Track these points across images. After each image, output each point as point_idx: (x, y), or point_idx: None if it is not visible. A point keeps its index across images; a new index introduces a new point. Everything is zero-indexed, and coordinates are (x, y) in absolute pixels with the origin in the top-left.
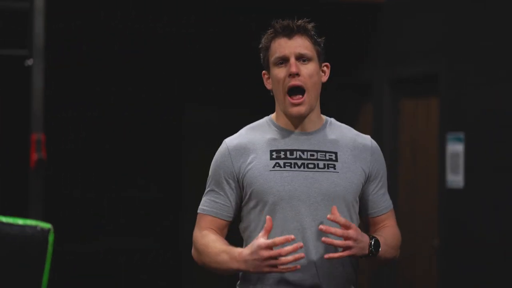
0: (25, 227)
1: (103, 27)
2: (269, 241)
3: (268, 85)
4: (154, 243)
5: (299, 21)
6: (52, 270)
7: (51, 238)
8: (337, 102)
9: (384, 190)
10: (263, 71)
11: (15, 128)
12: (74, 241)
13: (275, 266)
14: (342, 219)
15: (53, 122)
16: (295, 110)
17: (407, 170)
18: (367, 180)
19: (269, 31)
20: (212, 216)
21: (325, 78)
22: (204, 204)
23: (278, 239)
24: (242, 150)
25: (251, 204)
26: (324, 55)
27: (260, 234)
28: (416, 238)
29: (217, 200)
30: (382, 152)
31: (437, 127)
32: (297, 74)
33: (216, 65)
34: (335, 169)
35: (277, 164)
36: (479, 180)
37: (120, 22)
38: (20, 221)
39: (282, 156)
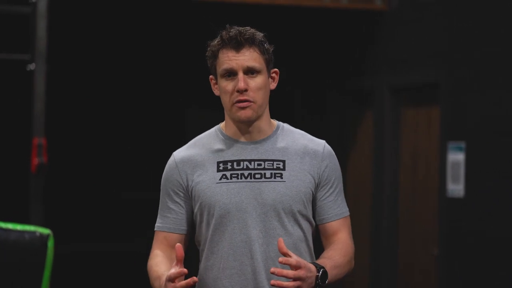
0: (24, 233)
1: (105, 31)
2: (170, 272)
3: (216, 91)
4: None
5: (248, 31)
6: (53, 272)
7: (50, 243)
8: (338, 109)
9: (336, 196)
10: (211, 76)
11: (17, 132)
12: (76, 243)
13: None
14: (293, 261)
15: (55, 126)
16: (243, 113)
17: (407, 178)
18: (317, 186)
19: (216, 39)
20: (165, 231)
21: (274, 85)
22: (158, 220)
23: (172, 273)
24: (189, 163)
25: (200, 217)
26: (272, 62)
27: (173, 264)
28: (416, 246)
29: (169, 215)
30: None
31: (438, 136)
32: (245, 90)
33: None
34: (282, 178)
35: (223, 176)
36: (479, 189)
37: (122, 26)
38: (19, 227)
39: (229, 167)
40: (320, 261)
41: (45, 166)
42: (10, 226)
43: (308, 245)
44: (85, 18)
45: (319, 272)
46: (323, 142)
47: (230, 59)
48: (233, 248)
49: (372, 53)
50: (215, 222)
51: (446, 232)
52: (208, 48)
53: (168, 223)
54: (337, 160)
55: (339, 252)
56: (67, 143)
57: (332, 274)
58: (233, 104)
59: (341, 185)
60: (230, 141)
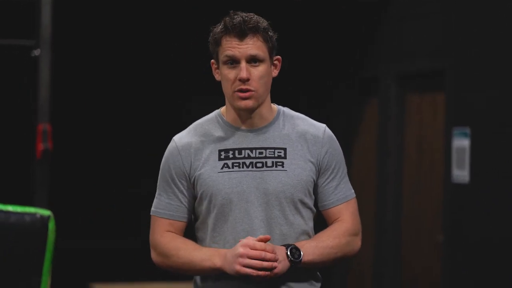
0: (24, 215)
1: (110, 17)
2: (258, 244)
3: (217, 75)
4: None
5: (252, 19)
6: (58, 263)
7: (51, 225)
8: (343, 97)
9: (338, 181)
10: (212, 60)
11: (22, 118)
12: (79, 236)
13: (247, 266)
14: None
15: (60, 112)
16: (243, 103)
17: (412, 165)
18: (318, 173)
19: (220, 25)
20: (169, 219)
21: (276, 72)
22: (159, 206)
23: (259, 244)
24: (191, 150)
25: (202, 206)
26: (276, 49)
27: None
28: (421, 233)
29: (172, 202)
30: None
31: (443, 122)
32: (247, 80)
33: None
34: (283, 167)
35: (225, 165)
36: (484, 175)
37: (128, 12)
38: (19, 209)
39: (231, 156)
40: (301, 242)
41: (50, 152)
42: (10, 208)
43: (308, 233)
44: (90, 4)
45: (288, 250)
46: (323, 126)
47: (234, 46)
48: (235, 238)
49: (377, 40)
50: (217, 212)
51: (451, 218)
52: (211, 34)
53: (172, 210)
54: (338, 144)
55: (330, 233)
56: (72, 130)
57: (315, 253)
58: (234, 92)
59: (343, 169)
60: (231, 128)
